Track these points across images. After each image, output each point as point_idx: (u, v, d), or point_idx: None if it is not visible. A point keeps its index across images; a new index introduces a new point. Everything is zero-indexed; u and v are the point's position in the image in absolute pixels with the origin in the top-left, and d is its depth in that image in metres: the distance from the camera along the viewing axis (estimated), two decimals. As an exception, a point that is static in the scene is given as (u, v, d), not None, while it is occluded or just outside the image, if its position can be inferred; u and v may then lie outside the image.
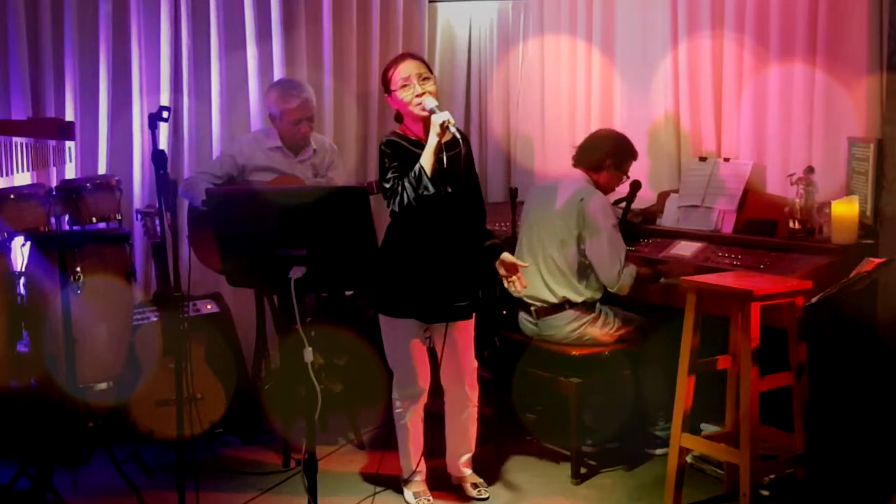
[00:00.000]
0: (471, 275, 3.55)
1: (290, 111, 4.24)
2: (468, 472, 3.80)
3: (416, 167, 3.32)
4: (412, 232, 3.45)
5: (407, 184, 3.34)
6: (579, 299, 3.90)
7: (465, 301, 3.54)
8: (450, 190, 3.36)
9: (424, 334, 3.57)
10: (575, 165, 4.03)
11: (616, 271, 3.83)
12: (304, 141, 4.35)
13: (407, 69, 3.42)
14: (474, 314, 3.62)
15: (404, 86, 3.41)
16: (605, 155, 3.98)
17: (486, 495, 3.74)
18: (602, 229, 3.82)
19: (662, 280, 3.99)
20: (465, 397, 3.67)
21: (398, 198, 3.34)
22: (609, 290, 3.88)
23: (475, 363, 3.69)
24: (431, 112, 3.32)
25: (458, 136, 3.32)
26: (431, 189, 3.32)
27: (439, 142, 3.31)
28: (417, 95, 3.38)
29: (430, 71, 3.48)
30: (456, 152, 3.48)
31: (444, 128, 3.28)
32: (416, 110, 3.38)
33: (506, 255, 3.61)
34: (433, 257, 3.44)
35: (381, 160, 3.45)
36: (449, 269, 3.46)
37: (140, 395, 4.10)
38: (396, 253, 3.44)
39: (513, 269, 3.60)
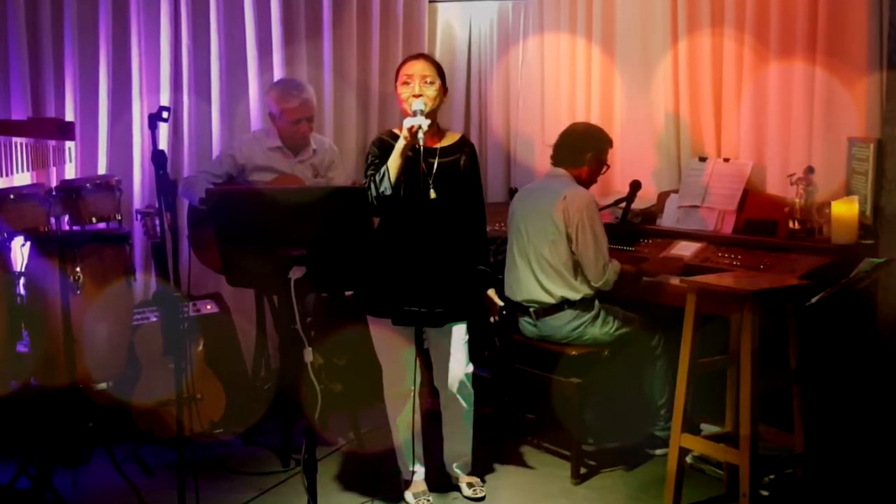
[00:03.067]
0: (451, 283, 3.48)
1: (290, 111, 4.23)
2: (464, 473, 3.79)
3: (383, 167, 3.33)
4: (393, 233, 3.44)
5: (372, 183, 3.35)
6: (577, 297, 3.90)
7: (440, 308, 3.46)
8: (434, 195, 3.34)
9: (422, 336, 3.53)
10: (556, 164, 4.03)
11: (601, 266, 3.84)
12: (304, 141, 4.34)
13: (412, 68, 3.43)
14: (465, 321, 3.57)
15: (405, 83, 3.42)
16: (586, 150, 4.00)
17: (482, 494, 3.73)
18: (588, 226, 3.83)
19: (645, 279, 4.02)
20: (458, 402, 3.64)
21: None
22: (593, 284, 3.89)
23: (468, 368, 3.61)
24: (414, 114, 3.32)
25: (420, 144, 3.26)
26: (389, 191, 3.31)
27: (406, 144, 3.30)
28: (414, 95, 3.38)
29: (441, 77, 3.47)
30: (454, 159, 3.47)
31: (411, 132, 3.27)
32: (408, 108, 3.39)
33: (490, 292, 3.62)
34: (410, 260, 3.37)
35: (366, 157, 3.47)
36: (425, 274, 3.38)
37: (140, 395, 4.10)
38: (378, 252, 3.40)
39: (492, 307, 3.65)
